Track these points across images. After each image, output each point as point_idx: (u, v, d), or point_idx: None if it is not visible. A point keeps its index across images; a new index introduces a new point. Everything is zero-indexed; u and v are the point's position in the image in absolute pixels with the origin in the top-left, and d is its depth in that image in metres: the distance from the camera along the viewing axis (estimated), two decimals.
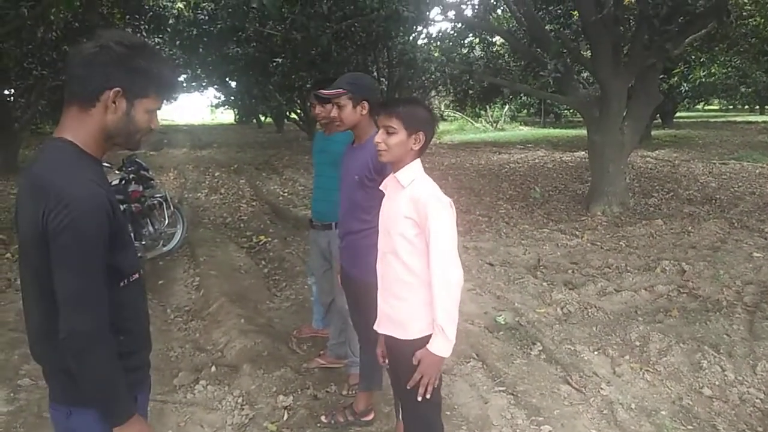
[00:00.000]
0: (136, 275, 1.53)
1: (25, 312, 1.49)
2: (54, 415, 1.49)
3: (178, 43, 12.34)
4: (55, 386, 1.48)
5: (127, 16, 8.15)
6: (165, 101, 1.53)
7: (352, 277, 2.81)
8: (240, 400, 3.30)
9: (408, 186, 2.08)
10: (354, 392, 3.29)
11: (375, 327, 2.22)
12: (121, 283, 1.46)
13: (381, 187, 2.24)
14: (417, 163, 2.12)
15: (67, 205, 1.29)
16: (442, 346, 1.99)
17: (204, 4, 11.25)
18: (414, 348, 2.05)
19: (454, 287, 1.98)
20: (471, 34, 14.80)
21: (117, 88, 1.39)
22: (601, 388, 3.41)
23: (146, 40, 1.42)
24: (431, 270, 1.99)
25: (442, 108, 28.67)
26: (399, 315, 2.11)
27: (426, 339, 2.02)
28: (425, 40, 14.84)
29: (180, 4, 12.71)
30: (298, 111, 18.41)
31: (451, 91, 22.49)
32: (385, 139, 2.07)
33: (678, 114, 27.08)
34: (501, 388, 3.41)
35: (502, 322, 4.35)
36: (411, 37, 13.61)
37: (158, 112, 1.52)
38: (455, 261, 1.98)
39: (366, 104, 2.70)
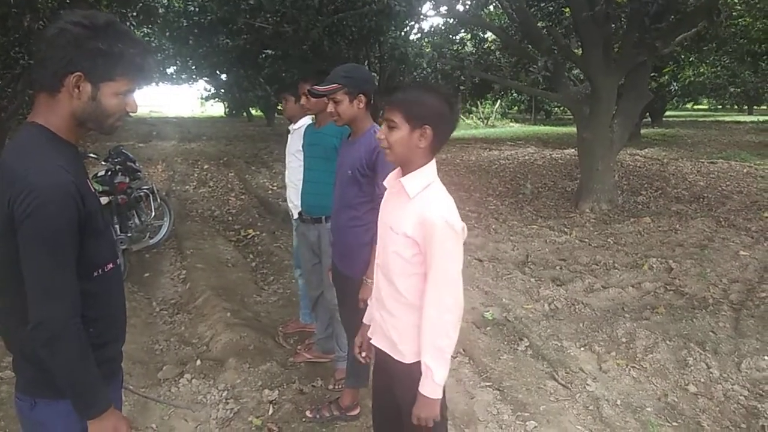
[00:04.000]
0: (111, 265, 1.48)
1: None
2: (19, 406, 1.46)
3: (167, 34, 12.24)
4: (20, 376, 1.45)
5: (115, 4, 8.01)
6: (138, 84, 1.44)
7: (342, 274, 2.79)
8: (225, 394, 3.27)
9: (415, 197, 1.74)
10: (340, 387, 3.27)
11: (369, 335, 2.03)
12: (95, 273, 1.42)
13: (384, 183, 1.93)
14: (429, 168, 1.77)
15: (32, 191, 1.25)
16: (430, 389, 1.72)
17: None
18: (411, 373, 1.80)
19: (449, 325, 1.70)
20: (462, 30, 14.76)
21: (78, 73, 1.32)
22: (587, 384, 3.42)
23: (114, 18, 1.34)
24: (425, 301, 1.73)
25: None
26: (389, 331, 1.88)
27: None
28: (417, 35, 14.78)
29: None
30: None
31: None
32: (387, 134, 1.74)
33: (667, 113, 27.24)
34: (487, 384, 3.42)
35: (490, 318, 4.35)
36: (403, 32, 13.56)
37: (134, 95, 1.45)
38: (455, 296, 1.71)
39: (363, 97, 2.62)
